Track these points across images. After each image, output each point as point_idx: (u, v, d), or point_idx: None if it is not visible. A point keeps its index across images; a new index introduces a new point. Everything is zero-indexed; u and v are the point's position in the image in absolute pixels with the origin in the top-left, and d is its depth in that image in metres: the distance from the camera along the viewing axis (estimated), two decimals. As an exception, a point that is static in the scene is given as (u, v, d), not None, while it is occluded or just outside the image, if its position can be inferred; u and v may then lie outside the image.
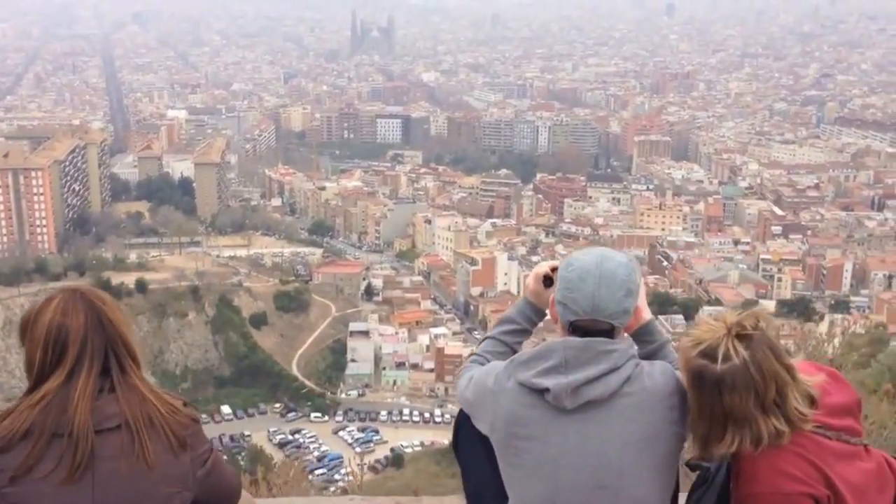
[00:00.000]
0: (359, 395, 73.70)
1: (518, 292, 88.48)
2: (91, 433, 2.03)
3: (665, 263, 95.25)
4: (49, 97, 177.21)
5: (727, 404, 1.90)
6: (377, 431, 66.92)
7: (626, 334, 2.30)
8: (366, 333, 78.84)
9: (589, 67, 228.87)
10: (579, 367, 2.09)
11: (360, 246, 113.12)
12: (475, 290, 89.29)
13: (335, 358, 79.60)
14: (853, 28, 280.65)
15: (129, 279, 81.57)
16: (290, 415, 71.14)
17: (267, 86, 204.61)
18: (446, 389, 70.80)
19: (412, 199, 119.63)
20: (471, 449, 2.38)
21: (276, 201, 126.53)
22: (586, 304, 2.12)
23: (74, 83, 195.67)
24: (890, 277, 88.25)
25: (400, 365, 76.25)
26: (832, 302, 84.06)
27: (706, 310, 77.97)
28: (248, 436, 66.04)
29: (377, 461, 53.50)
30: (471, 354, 2.61)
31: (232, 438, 65.40)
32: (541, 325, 2.67)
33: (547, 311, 2.48)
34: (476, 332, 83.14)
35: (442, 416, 66.19)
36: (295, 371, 78.70)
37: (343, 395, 73.81)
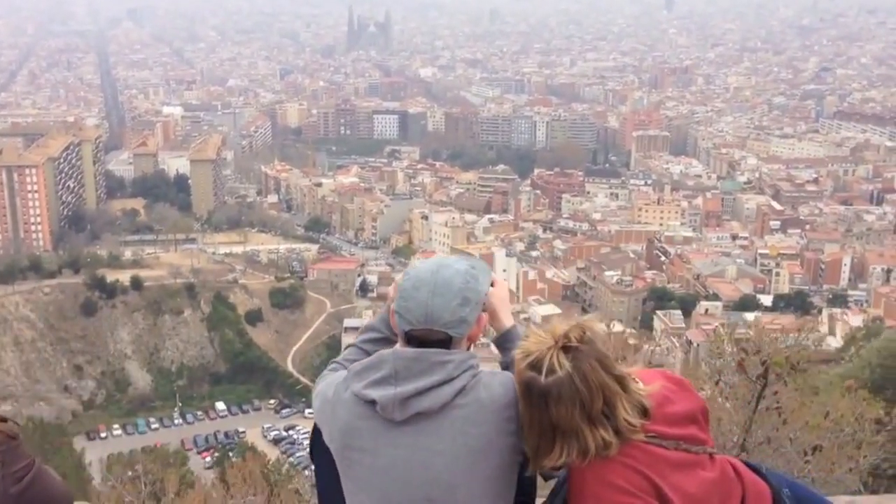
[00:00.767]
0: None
1: (517, 289, 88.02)
2: None
3: (663, 258, 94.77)
4: (43, 94, 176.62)
5: (554, 416, 1.88)
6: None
7: (484, 343, 2.23)
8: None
9: (587, 62, 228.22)
10: (410, 379, 2.04)
11: (357, 242, 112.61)
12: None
13: (330, 354, 78.66)
14: (852, 22, 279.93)
15: (125, 276, 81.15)
16: (285, 411, 70.84)
17: (263, 82, 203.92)
18: None
19: (409, 195, 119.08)
20: (321, 458, 2.28)
21: (273, 198, 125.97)
22: (420, 313, 2.07)
23: (69, 80, 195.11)
24: (888, 271, 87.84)
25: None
26: (830, 296, 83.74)
27: (703, 304, 77.81)
28: (243, 432, 65.69)
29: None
30: (332, 362, 2.43)
31: (227, 435, 65.18)
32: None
33: None
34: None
35: None
36: (290, 367, 78.32)
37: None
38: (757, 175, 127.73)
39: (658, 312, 77.53)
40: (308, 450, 2.42)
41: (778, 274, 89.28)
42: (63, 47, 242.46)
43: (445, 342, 2.08)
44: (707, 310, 76.73)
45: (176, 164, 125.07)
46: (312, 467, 2.45)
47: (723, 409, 5.68)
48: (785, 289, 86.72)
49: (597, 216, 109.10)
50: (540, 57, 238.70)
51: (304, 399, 72.30)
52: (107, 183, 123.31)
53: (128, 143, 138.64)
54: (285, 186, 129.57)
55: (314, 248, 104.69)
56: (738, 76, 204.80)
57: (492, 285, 2.30)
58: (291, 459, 62.41)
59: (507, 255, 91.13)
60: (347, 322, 79.23)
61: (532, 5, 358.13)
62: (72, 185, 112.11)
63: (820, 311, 74.58)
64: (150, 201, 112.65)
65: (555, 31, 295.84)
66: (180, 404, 71.56)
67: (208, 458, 56.84)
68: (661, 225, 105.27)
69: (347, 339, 76.94)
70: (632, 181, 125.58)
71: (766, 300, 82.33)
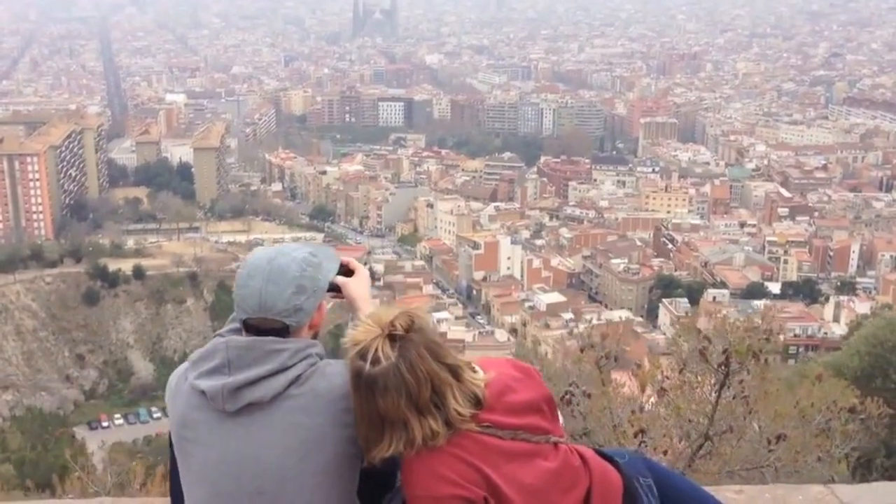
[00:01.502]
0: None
1: (521, 277, 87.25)
2: None
3: (670, 246, 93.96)
4: (45, 81, 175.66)
5: (381, 406, 1.87)
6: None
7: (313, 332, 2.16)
8: (366, 319, 77.67)
9: (595, 48, 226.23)
10: (243, 368, 2.01)
11: (362, 231, 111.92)
12: (478, 275, 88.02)
13: (336, 343, 77.74)
14: (863, 7, 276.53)
15: (127, 265, 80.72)
16: (289, 401, 70.68)
17: (267, 69, 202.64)
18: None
19: (414, 183, 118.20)
20: (171, 450, 2.25)
21: (277, 186, 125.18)
22: (254, 301, 2.04)
23: (71, 67, 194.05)
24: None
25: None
26: (838, 283, 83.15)
27: (710, 292, 77.06)
28: None
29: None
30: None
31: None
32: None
33: None
34: (479, 317, 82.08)
35: None
36: (295, 357, 77.80)
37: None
38: (765, 162, 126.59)
39: (665, 300, 76.95)
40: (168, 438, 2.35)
41: (786, 261, 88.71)
42: (65, 34, 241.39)
43: (282, 331, 2.05)
44: (715, 298, 76.12)
45: (179, 153, 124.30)
46: None
47: (691, 399, 5.59)
48: (793, 276, 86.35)
49: (604, 204, 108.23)
50: (547, 43, 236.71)
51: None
52: (109, 171, 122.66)
53: (130, 130, 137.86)
54: (289, 174, 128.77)
55: (319, 236, 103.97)
56: (747, 62, 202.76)
57: (351, 274, 2.29)
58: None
59: (513, 243, 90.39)
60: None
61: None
62: (74, 174, 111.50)
63: (828, 299, 73.91)
64: (153, 190, 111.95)
65: (562, 17, 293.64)
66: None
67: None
68: (668, 212, 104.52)
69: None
70: (639, 168, 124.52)
71: (775, 288, 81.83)
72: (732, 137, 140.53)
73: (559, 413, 2.16)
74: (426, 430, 1.85)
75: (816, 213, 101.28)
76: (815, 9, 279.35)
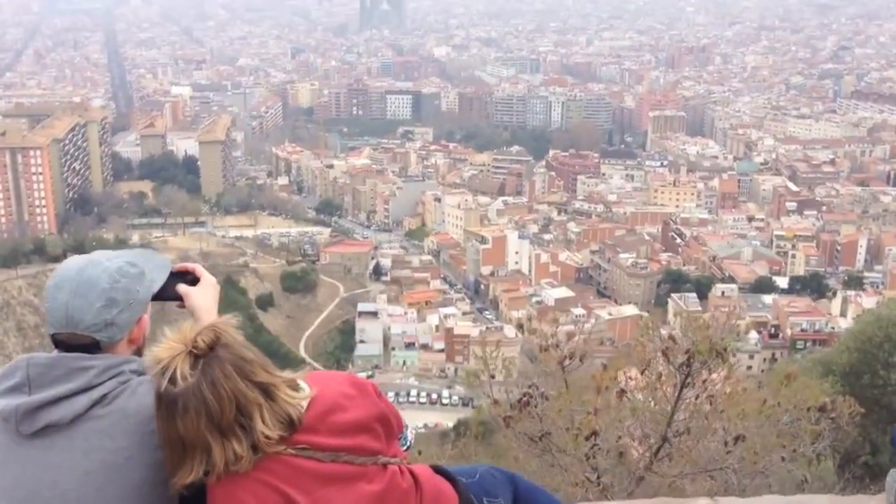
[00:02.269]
0: (368, 377, 72.40)
1: (529, 271, 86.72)
2: None
3: (678, 240, 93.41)
4: (49, 74, 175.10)
5: (180, 428, 1.74)
6: (393, 410, 66.00)
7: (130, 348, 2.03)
8: (374, 314, 77.34)
9: (603, 41, 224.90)
10: (45, 387, 1.86)
11: (369, 225, 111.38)
12: (486, 269, 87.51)
13: (343, 339, 78.30)
14: (871, 0, 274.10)
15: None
16: (301, 396, 70.53)
17: (274, 61, 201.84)
18: (456, 370, 69.70)
19: (422, 176, 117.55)
20: None
21: (283, 180, 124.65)
22: (60, 315, 1.91)
23: (75, 59, 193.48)
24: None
25: (409, 345, 74.84)
26: (846, 278, 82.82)
27: (718, 287, 76.57)
28: None
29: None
30: None
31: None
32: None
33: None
34: (487, 312, 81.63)
35: (449, 397, 65.32)
36: (302, 353, 77.48)
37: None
38: (773, 156, 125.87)
39: (673, 295, 76.54)
40: None
41: (794, 256, 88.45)
42: (69, 26, 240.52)
43: (92, 347, 1.92)
44: (723, 292, 75.92)
45: (184, 146, 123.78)
46: None
47: (654, 400, 5.53)
48: (801, 271, 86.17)
49: (612, 198, 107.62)
50: (556, 36, 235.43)
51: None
52: (113, 165, 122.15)
53: (135, 123, 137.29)
54: (296, 168, 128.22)
55: (326, 231, 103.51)
56: (756, 55, 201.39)
57: (196, 283, 2.16)
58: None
59: (520, 238, 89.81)
60: (361, 306, 78.37)
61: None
62: (78, 167, 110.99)
63: (835, 294, 73.45)
64: (158, 184, 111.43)
65: (571, 9, 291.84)
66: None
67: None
68: (676, 207, 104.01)
69: (362, 324, 76.27)
70: (647, 162, 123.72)
71: (782, 282, 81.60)
72: (741, 131, 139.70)
73: (409, 431, 2.11)
74: (229, 453, 1.73)
75: (824, 208, 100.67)
76: (823, 1, 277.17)
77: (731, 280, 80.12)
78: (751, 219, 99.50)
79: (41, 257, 79.54)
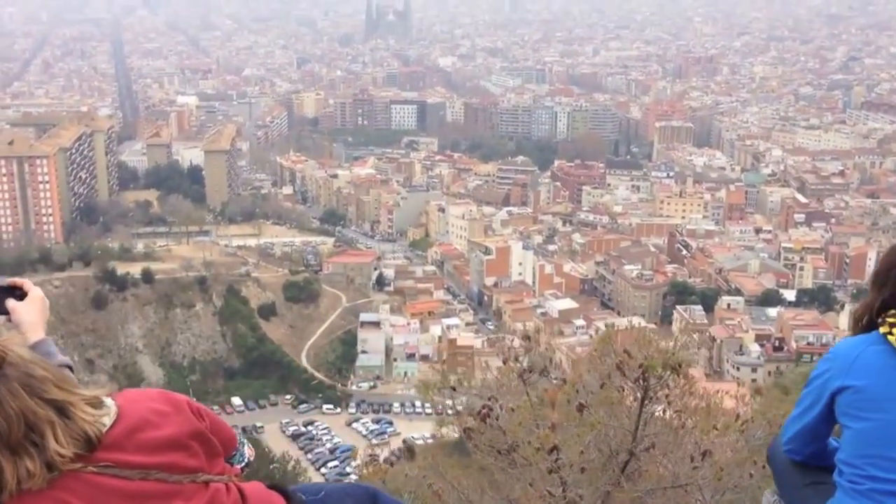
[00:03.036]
0: (370, 388, 71.91)
1: (533, 282, 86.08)
2: None
3: (684, 252, 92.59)
4: (57, 83, 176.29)
5: None
6: (391, 423, 65.39)
7: None
8: (377, 324, 76.90)
9: (610, 51, 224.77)
10: None
11: (373, 235, 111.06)
12: (489, 280, 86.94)
13: (345, 349, 77.83)
14: (882, 10, 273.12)
15: (136, 269, 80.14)
16: (302, 406, 70.09)
17: (279, 71, 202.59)
18: (459, 381, 69.03)
19: (426, 186, 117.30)
20: None
21: (288, 189, 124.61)
22: None
23: (83, 69, 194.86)
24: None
25: (411, 356, 74.30)
26: (855, 291, 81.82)
27: (725, 299, 75.69)
28: (261, 427, 65.29)
29: (392, 453, 52.04)
30: None
31: (244, 430, 64.39)
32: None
33: None
34: (490, 323, 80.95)
35: (454, 408, 64.68)
36: (304, 363, 77.01)
37: (354, 388, 72.08)
38: (782, 167, 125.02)
39: (678, 308, 75.73)
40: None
41: (802, 268, 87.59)
42: (77, 36, 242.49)
43: None
44: (729, 305, 75.15)
45: (190, 155, 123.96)
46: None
47: (616, 414, 5.47)
48: (809, 283, 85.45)
49: (618, 209, 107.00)
50: (562, 46, 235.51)
51: (319, 395, 71.47)
52: (119, 174, 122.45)
53: (141, 133, 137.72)
54: (301, 178, 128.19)
55: (330, 241, 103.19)
56: (765, 66, 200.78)
57: (23, 298, 2.19)
58: (309, 456, 62.67)
59: (524, 248, 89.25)
60: (364, 317, 77.93)
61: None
62: (84, 177, 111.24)
63: (843, 307, 72.52)
64: (164, 193, 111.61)
65: (577, 19, 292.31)
66: (194, 399, 70.49)
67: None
68: (683, 218, 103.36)
69: (364, 334, 75.72)
70: (654, 173, 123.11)
71: (790, 295, 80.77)
72: (748, 142, 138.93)
73: (247, 448, 2.10)
74: (21, 471, 1.69)
75: (833, 220, 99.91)
76: (833, 12, 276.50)
77: (738, 292, 79.30)
78: (758, 231, 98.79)
79: (47, 266, 79.78)
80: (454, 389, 6.03)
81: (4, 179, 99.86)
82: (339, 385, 72.94)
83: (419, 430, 61.28)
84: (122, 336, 77.07)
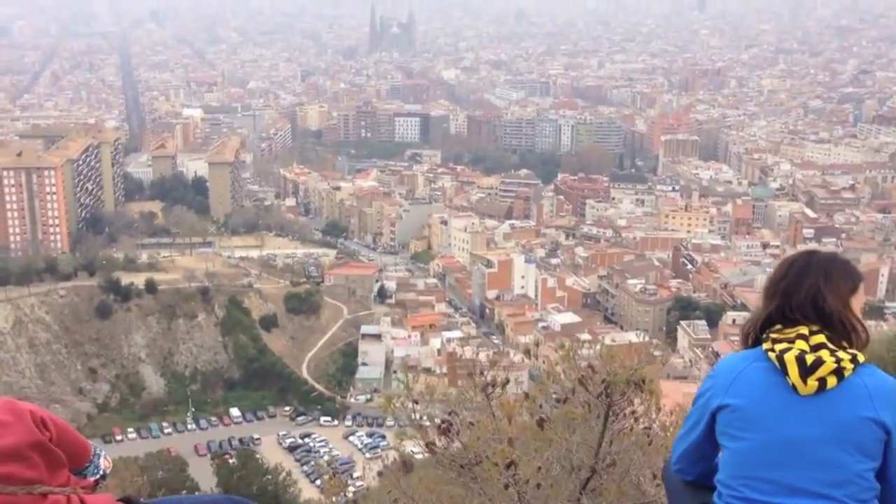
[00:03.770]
0: (366, 401, 71.57)
1: (535, 296, 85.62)
2: None
3: (689, 267, 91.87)
4: (65, 95, 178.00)
5: None
6: (384, 437, 64.98)
7: None
8: (378, 336, 76.64)
9: (615, 64, 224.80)
10: None
11: (375, 247, 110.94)
12: (491, 294, 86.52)
13: (346, 361, 77.60)
14: (893, 23, 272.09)
15: (140, 279, 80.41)
16: (300, 418, 69.97)
17: (284, 84, 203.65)
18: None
19: (428, 199, 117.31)
20: None
21: (291, 201, 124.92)
22: None
23: (91, 81, 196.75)
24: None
25: (411, 369, 73.77)
26: (866, 308, 79.53)
27: (730, 315, 74.92)
28: (258, 439, 65.26)
29: (386, 467, 51.52)
30: None
31: (241, 441, 64.53)
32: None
33: None
34: (493, 337, 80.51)
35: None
36: (305, 374, 76.81)
37: (352, 400, 71.79)
38: (790, 181, 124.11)
39: (682, 323, 75.00)
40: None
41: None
42: (86, 49, 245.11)
43: None
44: (734, 320, 74.31)
45: (194, 167, 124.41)
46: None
47: (580, 430, 5.45)
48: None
49: (622, 223, 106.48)
50: (566, 58, 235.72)
51: (318, 407, 71.20)
52: (125, 185, 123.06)
53: (147, 145, 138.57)
54: (304, 190, 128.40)
55: (332, 252, 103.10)
56: (773, 79, 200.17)
57: None
58: (305, 468, 62.36)
59: (527, 262, 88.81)
60: (365, 329, 77.64)
61: (559, 6, 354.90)
62: (90, 188, 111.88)
63: (853, 325, 71.47)
64: (168, 204, 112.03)
65: (582, 32, 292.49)
66: (193, 409, 70.88)
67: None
68: (688, 232, 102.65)
69: (364, 347, 75.42)
70: (658, 187, 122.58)
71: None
72: (756, 156, 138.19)
73: (103, 459, 2.09)
74: None
75: (843, 235, 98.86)
76: (843, 24, 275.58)
77: (744, 308, 78.33)
78: (765, 245, 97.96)
79: (53, 276, 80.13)
80: (416, 403, 5.83)
81: (13, 190, 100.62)
82: (339, 397, 72.66)
83: (415, 444, 61.05)
84: (126, 345, 77.24)
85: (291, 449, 63.83)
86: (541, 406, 5.57)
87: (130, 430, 67.65)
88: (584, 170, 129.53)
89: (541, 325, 76.37)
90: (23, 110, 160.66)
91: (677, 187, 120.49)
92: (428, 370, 73.25)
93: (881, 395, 2.16)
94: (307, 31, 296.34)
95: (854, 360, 2.18)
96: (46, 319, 77.45)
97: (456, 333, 76.44)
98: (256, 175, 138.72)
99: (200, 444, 63.56)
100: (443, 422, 5.33)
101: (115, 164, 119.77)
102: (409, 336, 77.12)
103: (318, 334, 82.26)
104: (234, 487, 44.34)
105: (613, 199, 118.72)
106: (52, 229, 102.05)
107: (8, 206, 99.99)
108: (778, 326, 2.24)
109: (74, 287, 79.36)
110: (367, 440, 64.59)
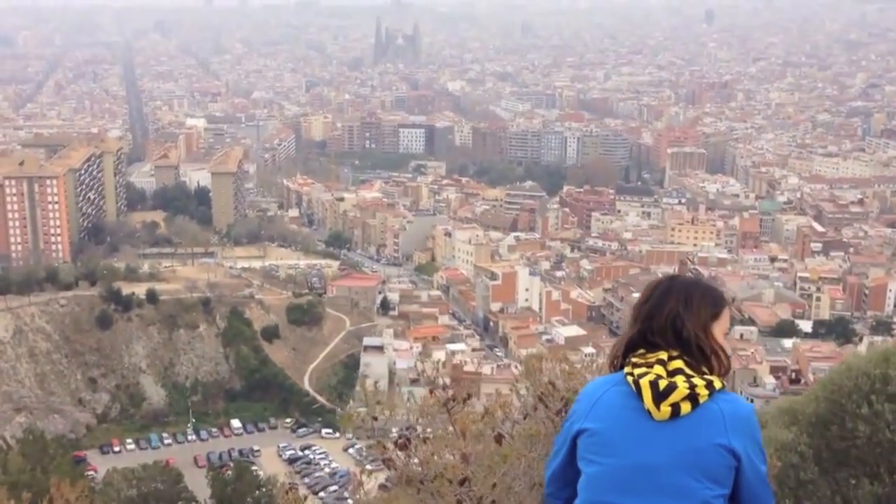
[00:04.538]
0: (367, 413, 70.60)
1: (540, 309, 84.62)
2: None
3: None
4: (69, 105, 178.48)
5: None
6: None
7: None
8: (380, 348, 75.74)
9: (621, 76, 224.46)
10: None
11: (378, 259, 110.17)
12: (495, 306, 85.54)
13: (347, 373, 76.73)
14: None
15: (141, 289, 79.85)
16: (301, 430, 69.35)
17: (288, 94, 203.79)
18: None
19: (433, 211, 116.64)
20: None
21: (294, 212, 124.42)
22: None
23: (95, 91, 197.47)
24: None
25: (414, 381, 72.74)
26: (874, 323, 79.89)
27: (737, 329, 73.69)
28: (258, 451, 64.69)
29: (388, 479, 50.66)
30: None
31: (241, 452, 63.84)
32: None
33: None
34: (496, 349, 79.54)
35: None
36: (307, 386, 76.01)
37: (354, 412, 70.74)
38: (798, 195, 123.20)
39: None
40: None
41: (818, 299, 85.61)
42: (90, 58, 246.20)
43: None
44: (742, 335, 73.20)
45: (197, 177, 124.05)
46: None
47: (540, 445, 5.35)
48: (826, 314, 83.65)
49: (627, 235, 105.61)
50: (572, 71, 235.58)
51: (320, 419, 70.53)
52: (128, 195, 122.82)
53: (150, 154, 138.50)
54: (307, 200, 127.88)
55: (335, 264, 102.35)
56: (781, 92, 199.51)
57: None
58: (307, 480, 61.37)
59: (531, 274, 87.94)
60: (367, 341, 76.75)
61: (565, 18, 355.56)
62: (92, 197, 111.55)
63: (861, 339, 70.52)
64: (171, 214, 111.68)
65: (588, 44, 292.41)
66: (193, 420, 70.30)
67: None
68: (694, 245, 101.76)
69: (367, 359, 74.51)
70: (665, 200, 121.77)
71: (806, 326, 78.97)
72: (764, 169, 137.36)
73: None
74: None
75: (851, 249, 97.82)
76: (852, 38, 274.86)
77: (752, 322, 77.42)
78: (773, 259, 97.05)
79: (54, 285, 79.68)
80: (375, 419, 5.84)
81: (15, 199, 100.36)
82: (340, 409, 71.69)
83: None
84: (126, 356, 76.65)
85: (291, 461, 63.17)
86: (502, 422, 5.46)
87: (129, 441, 67.10)
88: (590, 182, 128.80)
89: (545, 338, 75.34)
90: (26, 119, 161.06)
91: (684, 200, 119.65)
92: (433, 382, 72.41)
93: (735, 421, 2.16)
94: (312, 42, 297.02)
95: (710, 385, 2.17)
96: (47, 329, 76.87)
97: (460, 346, 75.52)
98: (260, 185, 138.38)
99: (200, 455, 62.95)
100: (400, 437, 5.26)
101: (118, 174, 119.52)
102: (412, 348, 76.15)
103: (320, 346, 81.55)
104: (227, 500, 43.61)
105: (619, 211, 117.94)
106: (53, 239, 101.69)
107: (9, 215, 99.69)
108: (641, 351, 2.24)
109: (75, 297, 78.89)
110: (366, 452, 63.83)
